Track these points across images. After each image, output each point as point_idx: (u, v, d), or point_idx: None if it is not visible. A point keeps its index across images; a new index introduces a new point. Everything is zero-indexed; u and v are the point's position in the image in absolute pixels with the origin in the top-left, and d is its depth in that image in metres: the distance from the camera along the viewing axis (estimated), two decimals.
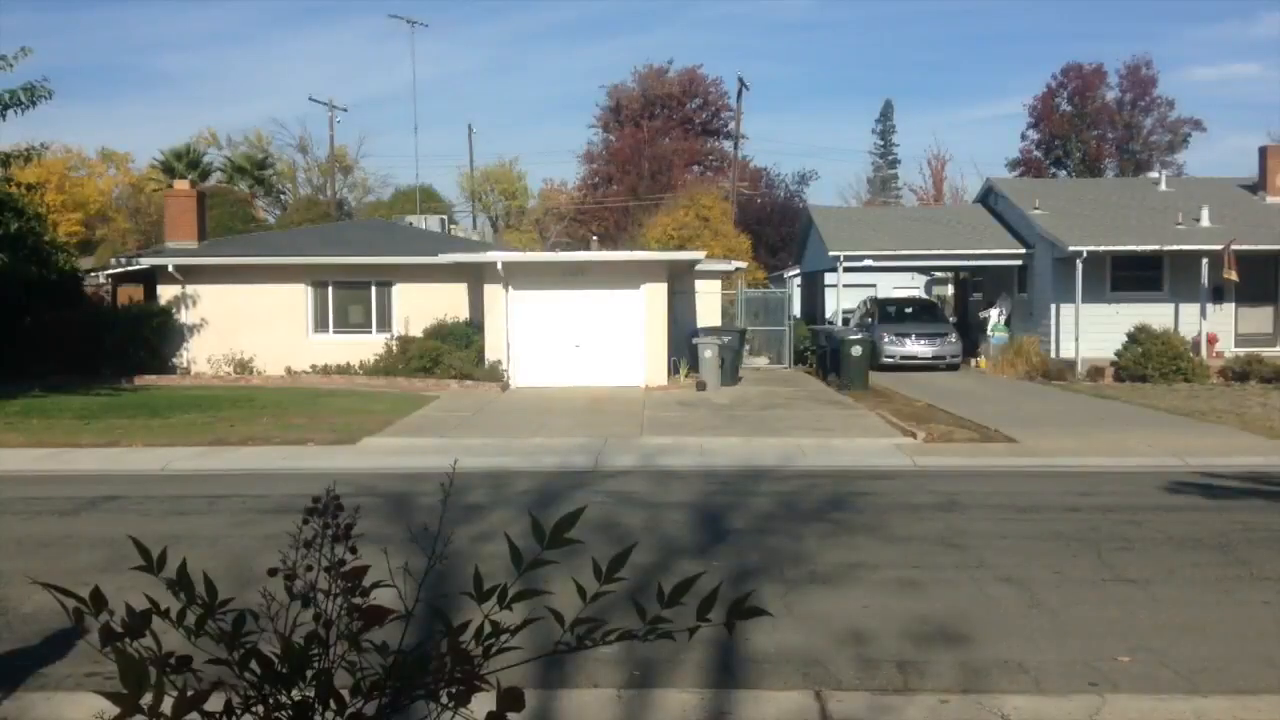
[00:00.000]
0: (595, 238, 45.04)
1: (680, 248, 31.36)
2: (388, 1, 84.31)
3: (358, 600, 2.21)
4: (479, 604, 2.20)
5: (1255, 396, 19.21)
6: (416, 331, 22.62)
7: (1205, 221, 23.93)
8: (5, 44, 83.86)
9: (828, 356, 22.75)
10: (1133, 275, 23.74)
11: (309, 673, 2.15)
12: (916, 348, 25.57)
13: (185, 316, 23.32)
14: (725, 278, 27.33)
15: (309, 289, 23.45)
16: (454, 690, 2.13)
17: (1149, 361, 21.82)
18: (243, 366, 22.98)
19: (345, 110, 68.93)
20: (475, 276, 22.19)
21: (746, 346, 25.35)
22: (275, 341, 22.94)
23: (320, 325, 23.52)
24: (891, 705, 4.98)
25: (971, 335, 27.68)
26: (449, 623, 2.19)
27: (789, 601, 6.63)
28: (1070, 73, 52.96)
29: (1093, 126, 52.43)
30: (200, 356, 23.22)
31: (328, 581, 2.23)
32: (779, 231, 46.65)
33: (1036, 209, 25.49)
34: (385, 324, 23.34)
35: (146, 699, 1.92)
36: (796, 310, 31.80)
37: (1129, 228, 24.42)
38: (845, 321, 27.89)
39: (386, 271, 23.29)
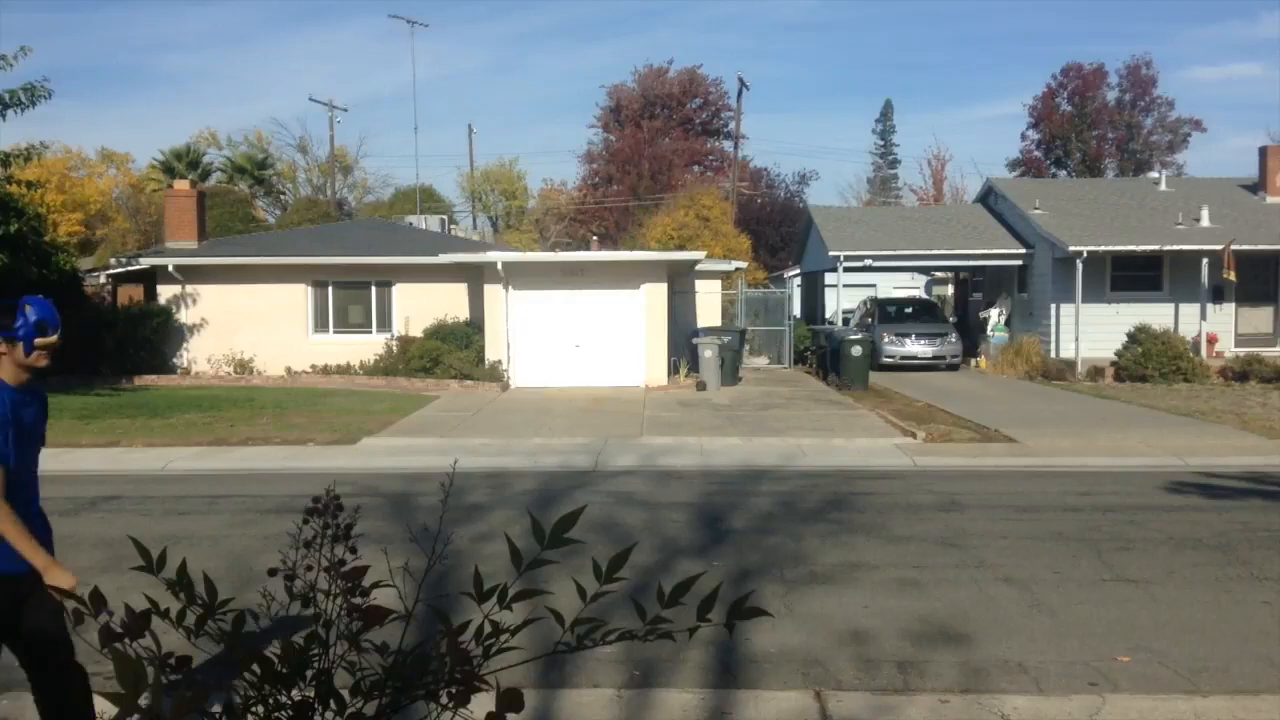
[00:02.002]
0: (595, 238, 45.03)
1: (680, 248, 31.35)
2: (388, 1, 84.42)
3: (358, 600, 2.21)
4: (479, 604, 2.20)
5: (1255, 396, 19.21)
6: (416, 331, 22.62)
7: (1205, 221, 23.94)
8: (5, 44, 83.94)
9: (828, 356, 22.74)
10: (1133, 275, 23.74)
11: (309, 673, 2.16)
12: (916, 348, 25.56)
13: (185, 316, 23.32)
14: (725, 278, 27.33)
15: (309, 289, 23.45)
16: (454, 690, 2.13)
17: (1149, 361, 21.82)
18: (243, 366, 22.98)
19: (345, 110, 69.04)
20: (475, 276, 22.19)
21: (746, 346, 25.36)
22: (275, 341, 22.94)
23: (320, 325, 23.52)
24: (891, 705, 4.98)
25: (971, 335, 27.68)
26: (449, 623, 2.19)
27: (789, 601, 6.63)
28: (1070, 73, 52.94)
29: (1093, 126, 52.39)
30: (200, 356, 23.22)
31: (328, 581, 2.24)
32: (779, 231, 46.65)
33: (1036, 209, 25.49)
34: (385, 324, 23.34)
35: (145, 699, 1.92)
36: (796, 310, 31.81)
37: (1129, 228, 24.42)
38: (845, 321, 27.91)
39: (386, 271, 23.30)
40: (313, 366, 22.79)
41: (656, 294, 21.36)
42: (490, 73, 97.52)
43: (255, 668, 2.14)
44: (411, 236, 27.09)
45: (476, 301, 22.25)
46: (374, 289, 23.52)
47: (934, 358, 25.40)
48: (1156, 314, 23.22)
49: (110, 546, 8.13)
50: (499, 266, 21.13)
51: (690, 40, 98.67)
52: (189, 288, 23.34)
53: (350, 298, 23.62)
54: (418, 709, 2.21)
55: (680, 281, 24.82)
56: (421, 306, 22.99)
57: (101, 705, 1.97)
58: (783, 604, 6.54)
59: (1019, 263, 25.81)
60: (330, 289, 23.52)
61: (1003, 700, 5.02)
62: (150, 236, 41.56)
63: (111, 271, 25.35)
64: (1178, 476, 11.34)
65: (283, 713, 2.13)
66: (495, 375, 21.11)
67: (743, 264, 29.22)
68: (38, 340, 3.80)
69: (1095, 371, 22.64)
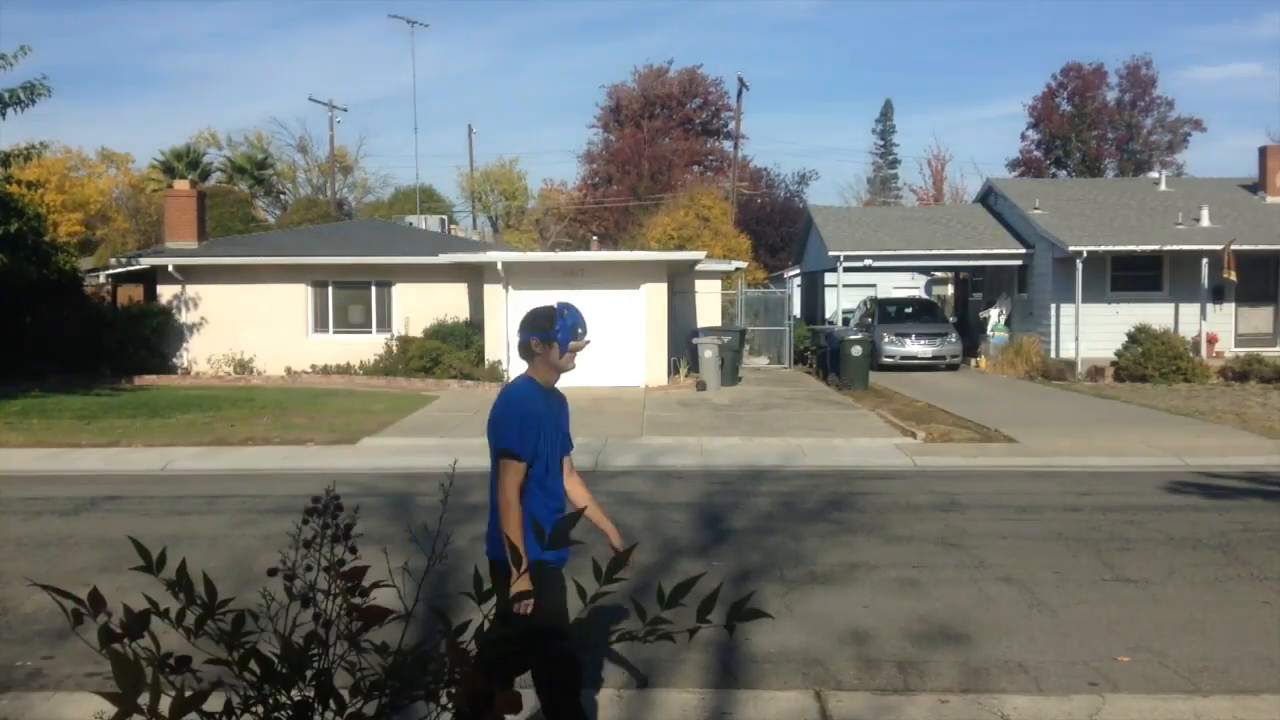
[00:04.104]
0: (595, 238, 45.03)
1: (680, 248, 31.36)
2: (388, 1, 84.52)
3: (357, 600, 2.21)
4: (479, 604, 2.20)
5: (1255, 396, 19.21)
6: (416, 331, 22.62)
7: (1205, 221, 23.94)
8: (5, 44, 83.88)
9: (828, 356, 22.75)
10: (1133, 275, 23.75)
11: (309, 673, 2.16)
12: (916, 348, 25.56)
13: (185, 316, 23.32)
14: (725, 278, 27.33)
15: (309, 289, 23.45)
16: (453, 690, 2.13)
17: (1149, 361, 21.82)
18: (243, 366, 22.98)
19: (345, 110, 69.02)
20: (475, 276, 22.20)
21: (746, 346, 25.35)
22: (275, 341, 22.94)
23: (320, 325, 23.53)
24: (891, 705, 4.98)
25: (971, 335, 27.68)
26: (449, 623, 2.19)
27: (789, 601, 6.63)
28: (1070, 73, 52.95)
29: (1093, 126, 52.40)
30: (200, 356, 23.22)
31: (328, 581, 2.24)
32: (779, 231, 46.64)
33: (1036, 209, 25.49)
34: (385, 324, 23.34)
35: (144, 699, 1.92)
36: (796, 310, 31.80)
37: (1129, 228, 24.43)
38: (845, 321, 27.91)
39: (386, 271, 23.30)
40: (313, 366, 22.79)
41: (656, 294, 21.36)
42: (490, 73, 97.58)
43: (255, 667, 2.14)
44: (411, 236, 27.10)
45: (476, 301, 22.25)
46: (374, 289, 23.52)
47: (934, 358, 25.40)
48: (1156, 314, 23.22)
49: (110, 546, 8.13)
50: (499, 266, 21.14)
51: (690, 40, 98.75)
52: (189, 288, 23.34)
53: (350, 298, 23.62)
54: (418, 709, 2.21)
55: (680, 281, 24.81)
56: (421, 306, 22.99)
57: (101, 704, 1.97)
58: (783, 604, 6.54)
59: (1019, 263, 25.81)
60: (330, 289, 23.52)
61: (1003, 700, 5.02)
62: (150, 236, 41.54)
63: (111, 271, 25.35)
64: (1178, 476, 11.34)
65: (282, 713, 2.13)
66: (495, 375, 21.11)
67: (743, 264, 29.22)
68: (571, 344, 4.00)
69: (1095, 371, 22.64)
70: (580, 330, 4.03)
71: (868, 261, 26.09)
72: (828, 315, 30.34)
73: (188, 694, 1.99)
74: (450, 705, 2.12)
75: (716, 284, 26.81)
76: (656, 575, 6.98)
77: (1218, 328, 23.49)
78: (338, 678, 2.18)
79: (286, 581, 2.25)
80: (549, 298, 19.96)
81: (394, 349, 22.33)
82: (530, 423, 3.90)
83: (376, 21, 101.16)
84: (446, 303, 22.95)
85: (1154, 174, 33.94)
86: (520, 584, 3.58)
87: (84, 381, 21.15)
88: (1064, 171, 52.43)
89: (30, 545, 8.39)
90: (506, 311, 21.39)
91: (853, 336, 21.31)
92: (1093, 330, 22.97)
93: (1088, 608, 6.53)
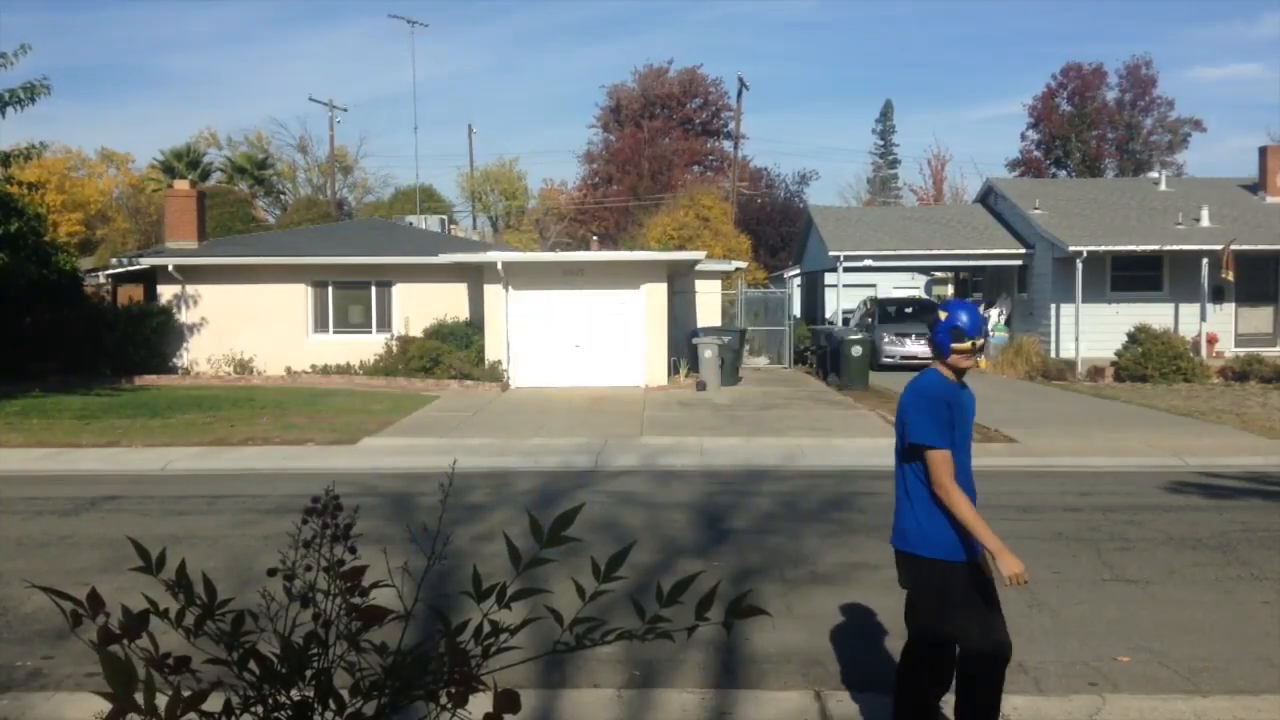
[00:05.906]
0: (595, 238, 45.03)
1: (680, 248, 31.34)
2: (388, 1, 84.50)
3: (357, 600, 2.21)
4: (478, 603, 2.20)
5: (1255, 396, 19.20)
6: (416, 331, 22.62)
7: (1205, 221, 23.94)
8: (6, 44, 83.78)
9: (828, 356, 22.74)
10: (1133, 275, 23.75)
11: (308, 673, 2.16)
12: (916, 348, 25.55)
13: (185, 316, 23.32)
14: (725, 278, 27.32)
15: (309, 289, 23.44)
16: (453, 691, 2.13)
17: (1149, 361, 21.82)
18: (242, 366, 22.98)
19: (345, 110, 69.04)
20: (475, 276, 22.19)
21: (746, 346, 25.35)
22: (275, 341, 22.94)
23: (320, 325, 23.52)
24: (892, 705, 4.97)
25: None
26: (448, 623, 2.19)
27: (789, 601, 6.63)
28: (1070, 73, 52.97)
29: (1093, 126, 52.40)
30: (200, 356, 23.22)
31: (327, 581, 2.23)
32: (779, 231, 46.64)
33: (1036, 209, 25.49)
34: (385, 324, 23.34)
35: (143, 699, 1.92)
36: (796, 310, 31.80)
37: (1129, 228, 24.43)
38: (845, 321, 27.90)
39: (386, 271, 23.30)
40: (313, 366, 22.79)
41: (656, 294, 21.36)
42: (490, 73, 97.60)
43: (254, 667, 2.14)
44: (411, 236, 27.09)
45: (476, 301, 22.25)
46: (374, 289, 23.51)
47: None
48: (1156, 314, 23.22)
49: (110, 546, 8.13)
50: (499, 266, 21.13)
51: (690, 40, 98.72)
52: (189, 288, 23.34)
53: (350, 298, 23.62)
54: (417, 709, 2.21)
55: (680, 281, 24.81)
56: (421, 306, 22.98)
57: (101, 704, 1.97)
58: (783, 604, 6.53)
59: (1019, 263, 25.81)
60: (330, 289, 23.52)
61: (1002, 700, 5.01)
62: (150, 236, 41.53)
63: (111, 271, 25.35)
64: (1178, 476, 11.34)
65: (282, 713, 2.13)
66: (495, 375, 21.11)
67: (743, 264, 29.21)
68: (976, 340, 4.36)
69: (1095, 371, 22.64)
70: (982, 327, 4.35)
71: (868, 261, 26.09)
72: (828, 315, 30.33)
73: (186, 694, 1.99)
74: (450, 705, 2.12)
75: (716, 284, 26.80)
76: (656, 574, 6.98)
77: (1218, 328, 23.48)
78: (338, 678, 2.18)
79: (286, 581, 2.25)
80: (549, 298, 20.05)
81: (394, 349, 22.33)
82: (941, 411, 4.12)
83: (376, 21, 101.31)
84: (446, 303, 22.95)
85: (1154, 174, 33.92)
86: (1009, 563, 3.77)
87: (84, 381, 21.15)
88: (1064, 171, 52.44)
89: (30, 545, 8.39)
90: (506, 311, 21.39)
91: (853, 336, 21.31)
92: (1093, 330, 22.97)
93: (1088, 608, 6.53)
